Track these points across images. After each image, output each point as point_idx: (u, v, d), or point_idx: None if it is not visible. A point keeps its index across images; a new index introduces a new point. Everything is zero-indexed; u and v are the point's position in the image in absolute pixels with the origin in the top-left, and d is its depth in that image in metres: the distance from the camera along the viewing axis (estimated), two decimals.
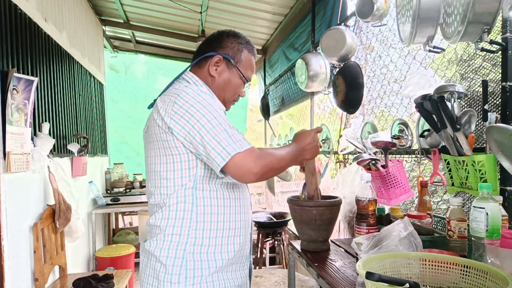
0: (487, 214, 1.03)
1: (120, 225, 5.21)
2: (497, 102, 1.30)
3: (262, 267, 3.48)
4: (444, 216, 1.44)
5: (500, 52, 1.25)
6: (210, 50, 1.25)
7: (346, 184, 2.01)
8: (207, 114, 1.06)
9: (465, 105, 1.48)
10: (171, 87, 1.19)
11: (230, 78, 1.26)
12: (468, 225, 1.22)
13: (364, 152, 1.89)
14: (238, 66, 1.26)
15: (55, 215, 2.43)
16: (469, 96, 1.46)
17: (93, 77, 4.00)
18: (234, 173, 1.05)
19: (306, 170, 1.44)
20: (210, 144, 1.03)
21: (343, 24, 2.37)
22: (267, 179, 1.11)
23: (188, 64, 1.30)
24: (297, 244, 1.68)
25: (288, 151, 1.19)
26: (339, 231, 2.51)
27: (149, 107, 1.25)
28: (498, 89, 1.29)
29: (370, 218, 1.38)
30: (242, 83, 1.29)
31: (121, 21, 4.44)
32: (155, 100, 1.20)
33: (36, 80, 2.13)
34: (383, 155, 1.73)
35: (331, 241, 1.73)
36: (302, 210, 1.51)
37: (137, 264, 1.25)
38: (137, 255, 3.56)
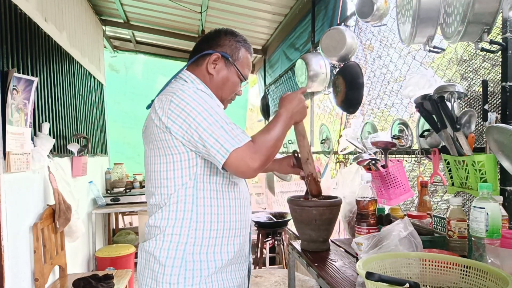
0: (487, 214, 1.03)
1: (120, 225, 5.21)
2: (497, 102, 1.30)
3: (262, 267, 3.48)
4: (444, 216, 1.44)
5: (500, 52, 1.25)
6: (207, 48, 1.25)
7: (346, 184, 2.01)
8: (203, 112, 1.05)
9: (465, 105, 1.48)
10: (168, 86, 1.19)
11: (228, 76, 1.26)
12: (468, 225, 1.22)
13: (364, 152, 1.89)
14: (236, 64, 1.26)
15: (55, 215, 2.43)
16: (469, 96, 1.46)
17: (93, 77, 4.00)
18: (234, 170, 1.05)
19: (297, 133, 1.38)
20: (208, 141, 1.03)
21: (343, 24, 2.37)
22: (268, 164, 1.10)
23: None
24: (297, 244, 1.68)
25: (279, 123, 1.15)
26: (339, 231, 2.51)
27: (147, 108, 1.24)
28: (498, 89, 1.29)
29: (370, 218, 1.38)
30: (240, 81, 1.29)
31: (121, 21, 4.44)
32: (152, 100, 1.20)
33: (36, 80, 2.13)
34: (383, 155, 1.73)
35: (331, 241, 1.73)
36: (302, 210, 1.51)
37: (136, 264, 1.25)
38: (137, 255, 3.55)
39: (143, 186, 4.42)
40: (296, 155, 1.48)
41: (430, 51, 1.40)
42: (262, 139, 1.09)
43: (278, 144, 1.12)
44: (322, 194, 1.54)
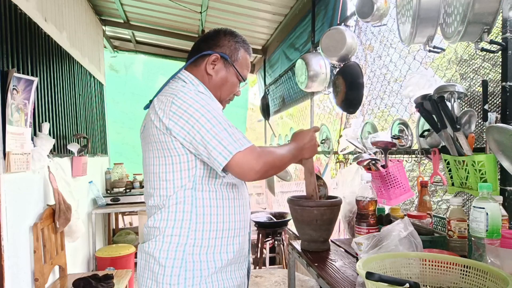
0: (487, 214, 1.03)
1: (120, 225, 5.21)
2: (497, 102, 1.30)
3: (262, 267, 3.48)
4: (444, 216, 1.44)
5: (500, 52, 1.25)
6: (206, 48, 1.25)
7: (346, 184, 2.01)
8: (206, 113, 1.05)
9: (465, 105, 1.48)
10: (167, 87, 1.18)
11: (227, 76, 1.26)
12: (468, 225, 1.22)
13: (364, 152, 1.89)
14: (235, 65, 1.26)
15: (55, 215, 2.43)
16: (469, 96, 1.46)
17: (93, 77, 4.00)
18: (236, 172, 1.04)
19: (305, 170, 1.44)
20: (211, 143, 1.03)
21: (343, 24, 2.37)
22: (268, 177, 1.11)
23: None
24: (297, 244, 1.68)
25: (287, 150, 1.19)
26: (339, 231, 2.51)
27: (145, 108, 1.24)
28: (498, 89, 1.29)
29: (370, 218, 1.38)
30: (238, 82, 1.29)
31: (121, 21, 4.44)
32: (150, 101, 1.20)
33: (36, 80, 2.13)
34: (383, 155, 1.73)
35: (331, 241, 1.73)
36: (303, 210, 1.51)
37: (136, 265, 1.25)
38: (137, 255, 3.55)
39: (143, 186, 4.39)
40: None
41: (430, 51, 1.39)
42: (268, 149, 1.11)
43: (282, 162, 1.14)
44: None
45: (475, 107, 1.43)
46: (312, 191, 1.47)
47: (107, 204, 3.86)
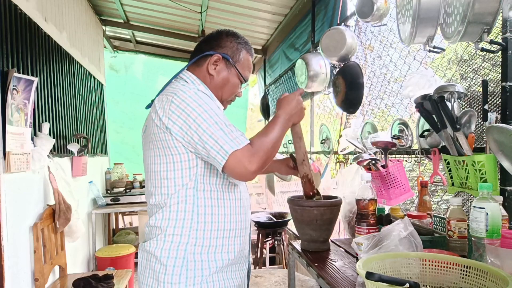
0: (487, 214, 1.03)
1: (120, 225, 5.21)
2: (497, 102, 1.30)
3: (262, 267, 3.48)
4: (444, 216, 1.44)
5: (500, 52, 1.25)
6: (209, 49, 1.25)
7: (346, 184, 2.01)
8: (203, 113, 1.05)
9: (465, 105, 1.48)
10: (168, 86, 1.19)
11: (229, 77, 1.26)
12: (468, 225, 1.22)
13: (364, 152, 1.89)
14: (237, 66, 1.26)
15: (55, 215, 2.43)
16: (469, 96, 1.46)
17: (93, 77, 4.00)
18: (232, 173, 1.05)
19: (293, 135, 1.38)
20: (208, 143, 1.03)
21: (343, 24, 2.37)
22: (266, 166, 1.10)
23: None
24: (297, 244, 1.68)
25: (278, 127, 1.15)
26: (339, 231, 2.51)
27: (147, 107, 1.25)
28: (498, 89, 1.29)
29: (370, 218, 1.38)
30: (240, 83, 1.30)
31: (121, 21, 4.44)
32: (152, 101, 1.20)
33: (36, 80, 2.13)
34: (383, 155, 1.73)
35: (331, 241, 1.73)
36: (303, 210, 1.51)
37: (137, 264, 1.25)
38: (137, 255, 3.54)
39: (143, 186, 4.41)
40: (293, 156, 1.48)
41: (430, 51, 1.40)
42: (260, 141, 1.09)
43: (276, 146, 1.13)
44: (322, 194, 1.54)
45: (475, 107, 1.43)
46: (303, 156, 1.41)
47: (107, 204, 3.86)
